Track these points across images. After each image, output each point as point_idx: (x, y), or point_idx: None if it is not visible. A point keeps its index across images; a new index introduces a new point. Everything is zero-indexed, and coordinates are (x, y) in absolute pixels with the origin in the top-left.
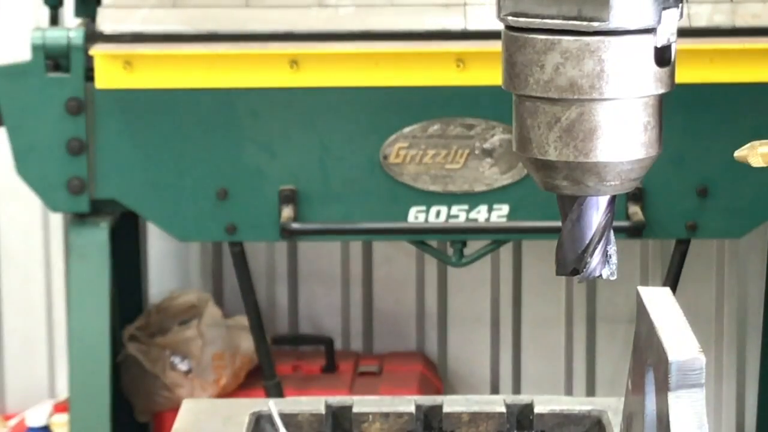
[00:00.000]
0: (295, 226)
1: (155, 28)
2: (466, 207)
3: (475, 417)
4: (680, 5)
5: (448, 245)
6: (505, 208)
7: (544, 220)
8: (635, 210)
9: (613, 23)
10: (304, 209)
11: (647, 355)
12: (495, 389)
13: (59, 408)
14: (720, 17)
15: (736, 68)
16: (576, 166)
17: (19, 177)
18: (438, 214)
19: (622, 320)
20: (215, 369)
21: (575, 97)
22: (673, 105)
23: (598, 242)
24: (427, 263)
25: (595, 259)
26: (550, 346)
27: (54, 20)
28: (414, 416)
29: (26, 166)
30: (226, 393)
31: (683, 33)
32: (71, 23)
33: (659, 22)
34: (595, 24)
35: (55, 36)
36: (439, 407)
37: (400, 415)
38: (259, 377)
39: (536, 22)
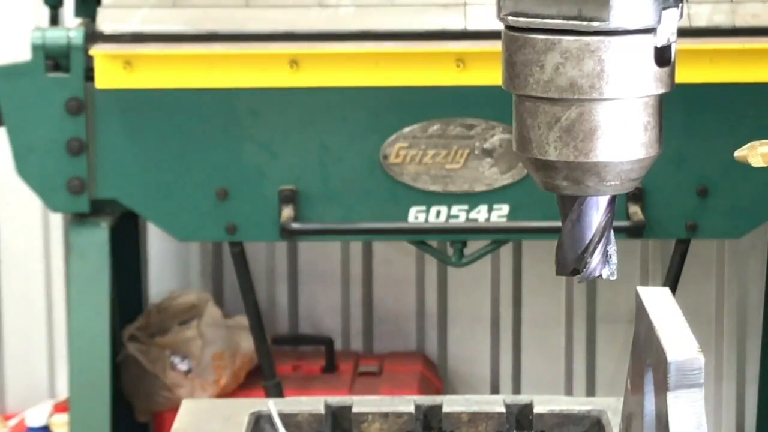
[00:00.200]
0: (295, 226)
1: (155, 28)
2: (466, 207)
3: (475, 417)
4: (680, 5)
5: (448, 245)
6: (505, 208)
7: (544, 220)
8: (635, 210)
9: (613, 23)
10: (304, 209)
11: (646, 355)
12: (495, 389)
13: (59, 408)
14: (720, 17)
15: (736, 68)
16: (576, 166)
17: (19, 177)
18: (438, 214)
19: (622, 320)
20: (215, 369)
21: (575, 97)
22: (673, 105)
23: (598, 242)
24: (427, 263)
25: (595, 259)
26: (550, 346)
27: (54, 20)
28: (413, 416)
29: (26, 166)
30: (226, 393)
31: (683, 33)
32: (71, 23)
33: (659, 22)
34: (595, 24)
35: (55, 36)
36: (439, 407)
37: (399, 415)
38: (259, 377)
39: (536, 22)
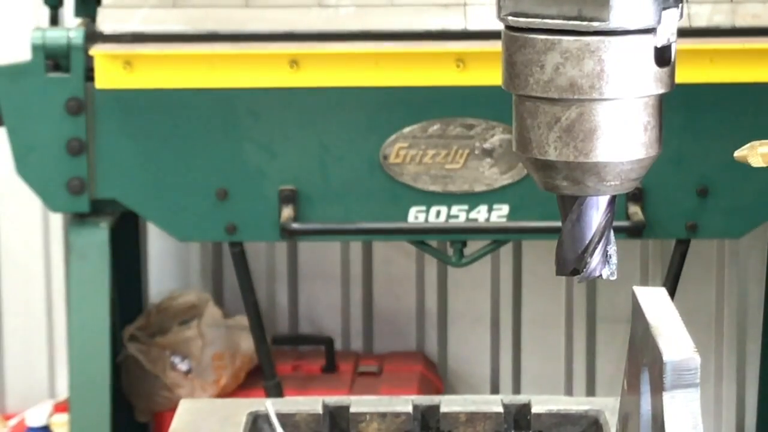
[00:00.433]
0: (295, 226)
1: (155, 28)
2: (466, 207)
3: (473, 417)
4: (680, 5)
5: (448, 245)
6: (505, 208)
7: (544, 220)
8: (635, 210)
9: (613, 23)
10: (304, 209)
11: (643, 355)
12: (495, 389)
13: (59, 408)
14: (720, 17)
15: (736, 68)
16: (576, 166)
17: (19, 177)
18: (438, 214)
19: (622, 320)
20: (215, 369)
21: (575, 97)
22: (673, 105)
23: (598, 242)
24: (427, 263)
25: (595, 259)
26: (550, 346)
27: (54, 20)
28: (411, 416)
29: (26, 166)
30: (226, 393)
31: (683, 33)
32: (71, 23)
33: (659, 22)
34: (595, 24)
35: (55, 36)
36: (437, 407)
37: (397, 415)
38: (259, 377)
39: (536, 22)
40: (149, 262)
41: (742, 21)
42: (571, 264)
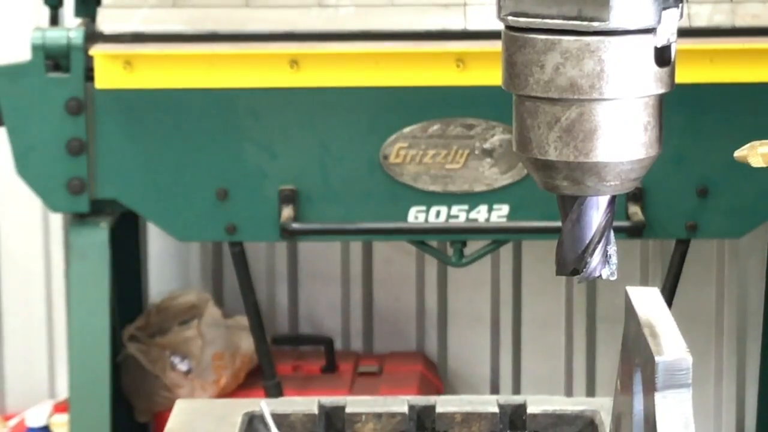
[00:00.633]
0: (295, 226)
1: (155, 28)
2: (466, 207)
3: (468, 417)
4: (680, 5)
5: (448, 245)
6: (505, 208)
7: (544, 220)
8: (635, 210)
9: (613, 23)
10: (304, 209)
11: (635, 355)
12: (495, 389)
13: (59, 408)
14: (720, 17)
15: (736, 68)
16: (576, 166)
17: (19, 177)
18: (438, 214)
19: (622, 320)
20: (215, 369)
21: (575, 97)
22: (673, 105)
23: (598, 242)
24: (427, 263)
25: (595, 259)
26: (550, 346)
27: (54, 20)
28: (407, 416)
29: (26, 166)
30: (226, 393)
31: (683, 33)
32: (71, 23)
33: (659, 22)
34: (595, 24)
35: (55, 36)
36: (432, 407)
37: (393, 415)
38: (259, 377)
39: (536, 22)
40: (149, 262)
41: (742, 21)
42: (571, 264)
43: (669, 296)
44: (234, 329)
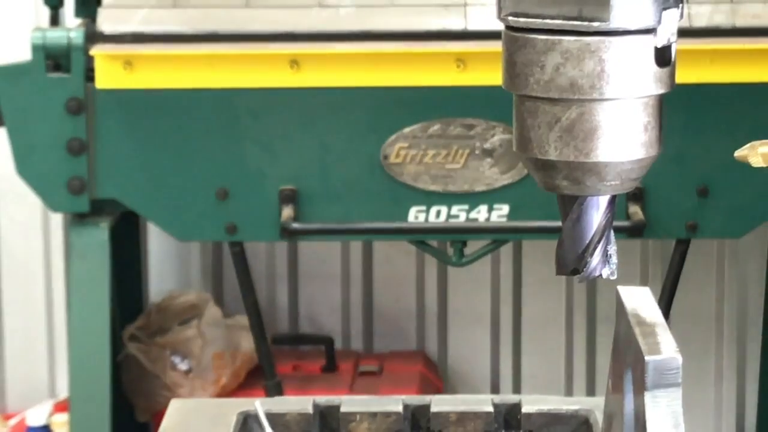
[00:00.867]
0: (295, 226)
1: (155, 28)
2: (466, 207)
3: (463, 416)
4: (680, 5)
5: (448, 245)
6: (505, 208)
7: (544, 220)
8: (635, 210)
9: (613, 23)
10: (304, 209)
11: (626, 355)
12: (495, 389)
13: (59, 408)
14: (720, 17)
15: (736, 68)
16: (576, 166)
17: (19, 177)
18: (438, 214)
19: None
20: (215, 369)
21: (575, 97)
22: (673, 105)
23: (599, 242)
24: (427, 263)
25: (595, 259)
26: (550, 346)
27: (54, 20)
28: (402, 416)
29: (26, 166)
30: (226, 393)
31: (683, 33)
32: (71, 23)
33: (659, 22)
34: (596, 24)
35: (56, 36)
36: (427, 407)
37: (387, 414)
38: (260, 377)
39: (537, 22)
40: (149, 262)
41: (743, 21)
42: (571, 264)
43: (669, 296)
44: (234, 329)
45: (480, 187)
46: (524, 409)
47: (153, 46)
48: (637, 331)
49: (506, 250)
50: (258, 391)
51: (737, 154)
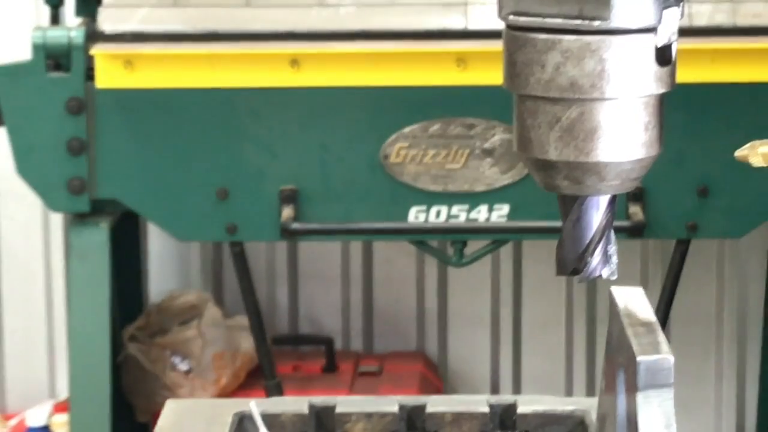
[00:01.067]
0: (295, 226)
1: (156, 27)
2: (466, 207)
3: (459, 417)
4: (681, 4)
5: (448, 245)
6: (505, 208)
7: (544, 220)
8: (635, 210)
9: (614, 22)
10: (304, 209)
11: (619, 356)
12: (495, 389)
13: (59, 408)
14: (721, 17)
15: (737, 68)
16: (576, 165)
17: (19, 177)
18: (438, 214)
19: None
20: (215, 369)
21: (576, 96)
22: (673, 105)
23: (599, 242)
24: (427, 263)
25: (596, 259)
26: (550, 346)
27: (55, 20)
28: (397, 416)
29: (26, 166)
30: (226, 393)
31: (684, 32)
32: (72, 23)
33: (660, 21)
34: (596, 23)
35: (56, 35)
36: (423, 407)
37: (383, 415)
38: (260, 377)
39: (537, 22)
40: (149, 262)
41: (743, 20)
42: (571, 264)
43: (669, 296)
44: (234, 329)
45: (480, 187)
46: (520, 410)
47: (153, 45)
48: (629, 331)
49: (506, 251)
50: (258, 391)
51: (737, 154)
